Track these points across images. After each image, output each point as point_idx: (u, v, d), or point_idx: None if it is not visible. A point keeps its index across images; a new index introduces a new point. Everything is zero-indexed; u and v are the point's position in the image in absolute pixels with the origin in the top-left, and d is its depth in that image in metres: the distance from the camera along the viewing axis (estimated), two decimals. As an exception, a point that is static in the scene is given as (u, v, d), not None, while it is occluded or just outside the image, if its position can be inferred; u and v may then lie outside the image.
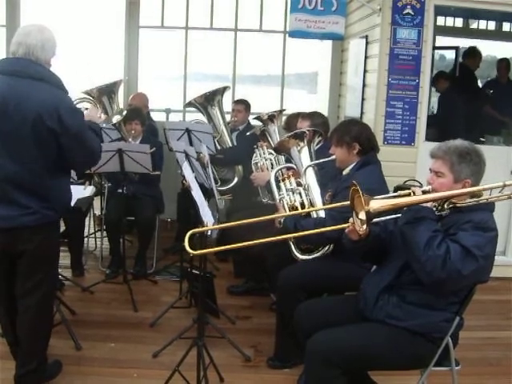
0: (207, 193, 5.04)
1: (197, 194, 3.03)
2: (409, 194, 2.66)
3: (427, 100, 5.14)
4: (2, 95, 2.89)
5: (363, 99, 5.74)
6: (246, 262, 4.86)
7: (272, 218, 3.57)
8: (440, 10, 6.10)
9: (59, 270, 4.75)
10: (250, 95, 6.58)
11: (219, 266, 5.48)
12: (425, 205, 2.62)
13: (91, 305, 4.60)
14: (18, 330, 3.22)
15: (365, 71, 5.70)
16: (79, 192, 4.03)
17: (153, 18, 7.08)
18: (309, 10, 5.08)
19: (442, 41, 8.14)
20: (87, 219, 5.68)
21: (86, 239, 5.60)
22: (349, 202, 2.62)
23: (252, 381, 3.60)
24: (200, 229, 2.97)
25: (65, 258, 5.28)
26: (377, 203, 2.52)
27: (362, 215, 2.52)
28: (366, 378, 3.15)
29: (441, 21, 7.83)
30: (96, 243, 5.83)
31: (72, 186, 3.97)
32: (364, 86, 5.73)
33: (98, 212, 5.88)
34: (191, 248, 2.59)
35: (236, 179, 5.81)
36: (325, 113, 6.89)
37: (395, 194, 2.70)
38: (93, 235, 5.88)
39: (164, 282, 5.16)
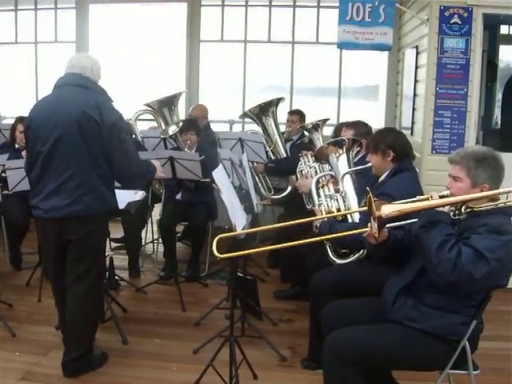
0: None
1: (227, 197, 3.20)
2: (427, 199, 2.73)
3: (476, 109, 5.10)
4: (52, 107, 3.38)
5: (414, 109, 5.75)
6: (291, 268, 4.97)
7: (308, 222, 3.67)
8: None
9: (116, 271, 5.09)
10: (307, 106, 6.69)
11: (269, 272, 5.61)
12: (441, 209, 2.66)
13: (143, 304, 4.85)
14: (66, 317, 3.52)
15: (415, 81, 5.72)
16: (130, 196, 4.27)
17: (213, 33, 7.40)
18: (357, 21, 5.13)
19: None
20: (149, 225, 5.98)
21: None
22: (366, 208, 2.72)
23: (284, 379, 3.71)
24: (228, 234, 3.06)
25: (122, 261, 5.60)
26: (388, 208, 2.59)
27: (376, 220, 2.62)
28: (389, 380, 3.21)
29: (505, 29, 7.70)
30: (154, 247, 6.09)
31: (123, 191, 4.26)
32: (414, 95, 5.74)
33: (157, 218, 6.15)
34: (220, 251, 2.76)
35: (289, 188, 5.89)
36: (382, 123, 6.95)
37: (414, 199, 2.77)
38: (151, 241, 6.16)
39: (214, 285, 5.34)
